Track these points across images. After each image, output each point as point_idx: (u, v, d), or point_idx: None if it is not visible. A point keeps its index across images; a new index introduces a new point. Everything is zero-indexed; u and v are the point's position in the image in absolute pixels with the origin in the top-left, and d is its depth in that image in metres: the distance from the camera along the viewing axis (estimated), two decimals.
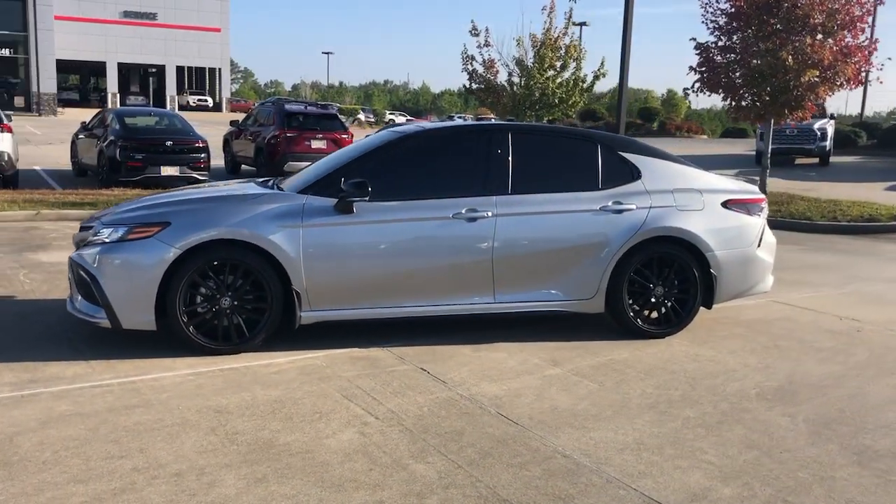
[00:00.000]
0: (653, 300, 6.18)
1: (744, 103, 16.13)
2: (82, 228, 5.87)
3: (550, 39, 21.60)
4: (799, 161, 27.02)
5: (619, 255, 6.01)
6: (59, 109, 45.17)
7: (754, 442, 4.24)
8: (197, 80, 66.85)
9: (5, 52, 46.79)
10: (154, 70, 63.71)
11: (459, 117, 64.83)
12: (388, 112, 72.78)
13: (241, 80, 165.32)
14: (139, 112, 18.85)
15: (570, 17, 21.90)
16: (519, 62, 22.05)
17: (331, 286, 5.56)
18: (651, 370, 5.41)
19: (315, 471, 3.72)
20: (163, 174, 15.56)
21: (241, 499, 3.44)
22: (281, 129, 17.58)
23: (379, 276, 5.64)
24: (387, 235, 5.65)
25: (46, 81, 44.73)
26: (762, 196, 6.63)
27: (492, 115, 33.99)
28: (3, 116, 15.07)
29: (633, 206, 6.09)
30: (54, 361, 5.17)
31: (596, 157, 6.20)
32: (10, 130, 14.91)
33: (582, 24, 61.65)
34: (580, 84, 21.95)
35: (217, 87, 65.62)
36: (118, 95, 59.51)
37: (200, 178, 15.74)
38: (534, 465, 3.87)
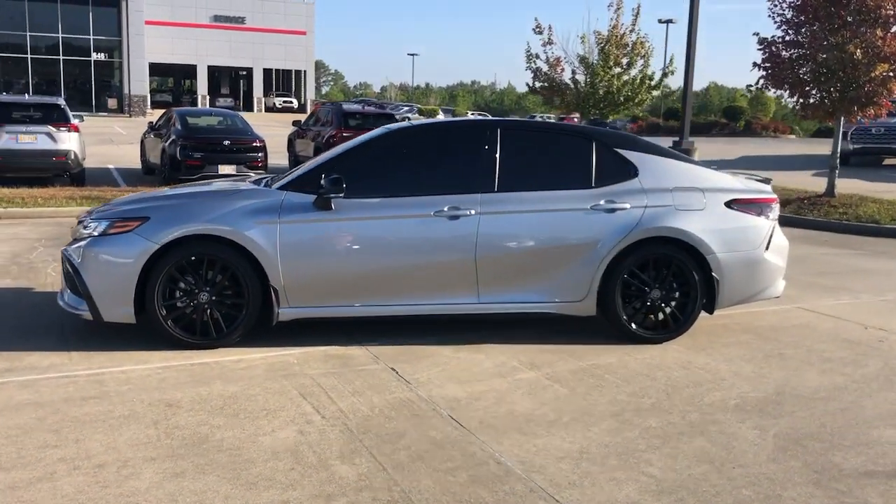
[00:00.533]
0: (649, 304, 5.91)
1: (811, 100, 15.36)
2: (79, 223, 6.03)
3: (616, 36, 21.19)
4: (888, 162, 25.63)
5: (611, 256, 5.77)
6: (150, 111, 46.92)
7: (710, 456, 3.99)
8: (284, 82, 68.42)
9: (101, 57, 49.02)
10: (244, 73, 65.61)
11: (542, 117, 64.52)
12: (469, 112, 72.81)
13: (332, 83, 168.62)
14: (201, 112, 19.39)
15: (638, 13, 21.44)
16: (583, 60, 21.70)
17: (308, 283, 5.54)
18: (632, 377, 5.18)
19: (236, 468, 3.69)
20: (220, 172, 15.93)
21: (150, 493, 3.43)
22: (338, 129, 17.75)
23: (358, 274, 5.58)
24: (365, 233, 5.59)
25: (136, 84, 46.64)
26: (772, 196, 6.26)
27: (575, 117, 33.52)
28: (70, 116, 15.71)
29: (628, 206, 5.84)
30: (38, 352, 5.31)
31: (590, 154, 5.98)
32: (76, 130, 15.54)
33: (668, 21, 60.41)
34: (647, 82, 21.46)
35: (302, 88, 67.02)
36: (208, 97, 61.45)
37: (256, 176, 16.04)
38: (462, 470, 3.74)
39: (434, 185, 5.77)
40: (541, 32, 21.71)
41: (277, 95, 66.31)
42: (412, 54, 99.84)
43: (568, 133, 6.22)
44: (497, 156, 5.83)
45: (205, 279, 5.44)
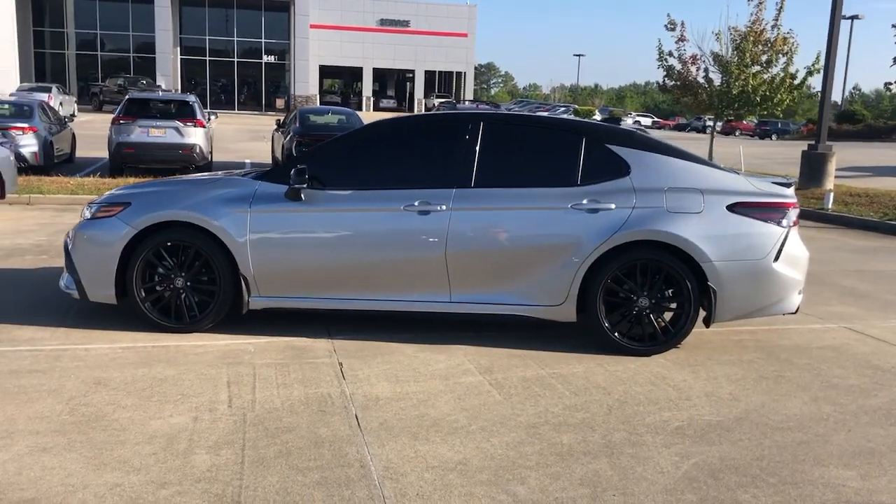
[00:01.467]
0: (636, 313, 5.46)
1: None
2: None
3: (756, 32, 19.89)
4: None
5: (592, 259, 5.38)
6: None
7: (598, 480, 3.61)
8: (444, 83, 69.53)
9: (272, 59, 51.95)
10: (410, 75, 67.32)
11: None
12: (633, 114, 70.76)
13: (501, 84, 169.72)
14: (322, 111, 20.01)
15: (782, 7, 20.00)
16: (717, 57, 20.56)
17: (278, 273, 5.55)
18: (585, 389, 4.80)
19: (103, 449, 3.74)
20: None
21: (5, 466, 3.54)
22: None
23: (327, 267, 5.54)
24: (335, 225, 5.54)
25: (301, 85, 49.02)
26: (788, 201, 5.59)
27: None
28: (198, 112, 16.70)
29: (613, 206, 5.43)
30: (31, 326, 5.65)
31: (578, 150, 5.60)
32: (202, 125, 16.53)
33: (854, 17, 56.06)
34: (788, 81, 20.00)
35: (462, 90, 67.84)
36: (372, 99, 63.52)
37: None
38: (318, 471, 3.60)
39: (410, 179, 5.62)
40: (673, 29, 20.79)
41: (437, 97, 67.50)
42: (578, 55, 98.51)
43: (556, 128, 5.85)
44: (477, 150, 5.60)
45: (180, 265, 5.58)
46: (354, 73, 67.81)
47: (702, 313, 5.56)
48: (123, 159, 16.20)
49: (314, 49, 56.98)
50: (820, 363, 5.48)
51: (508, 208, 5.48)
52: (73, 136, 19.24)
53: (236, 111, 48.55)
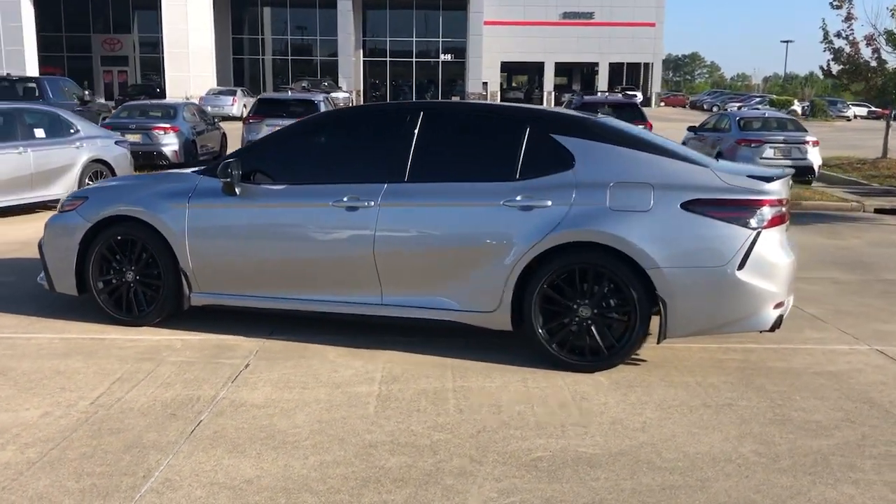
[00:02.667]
0: (576, 323, 4.85)
1: None
2: None
3: None
4: None
5: (525, 262, 4.83)
6: None
7: None
8: (629, 75, 67.45)
9: (448, 58, 52.75)
10: (596, 69, 65.96)
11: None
12: (850, 103, 63.96)
13: (706, 75, 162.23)
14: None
15: None
16: (890, 36, 18.31)
17: (214, 269, 5.47)
18: (477, 407, 4.30)
19: None
20: None
21: None
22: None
23: (260, 265, 5.38)
24: (266, 221, 5.36)
25: (473, 82, 49.31)
26: (761, 197, 4.71)
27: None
28: (322, 110, 17.16)
29: (549, 203, 4.84)
30: (16, 315, 5.93)
31: (520, 140, 5.05)
32: None
33: None
34: None
35: (649, 81, 65.49)
36: (554, 93, 62.86)
37: None
38: (95, 477, 3.45)
39: (344, 173, 5.34)
40: (839, 6, 18.71)
41: (622, 90, 65.57)
42: (786, 41, 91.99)
43: (500, 116, 5.31)
44: (414, 142, 5.20)
45: (129, 259, 5.65)
46: (538, 68, 67.42)
47: None
48: None
49: (496, 45, 57.28)
50: (796, 392, 4.59)
51: (439, 205, 5.05)
52: (224, 135, 20.43)
53: None
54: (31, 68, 43.22)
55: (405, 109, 5.43)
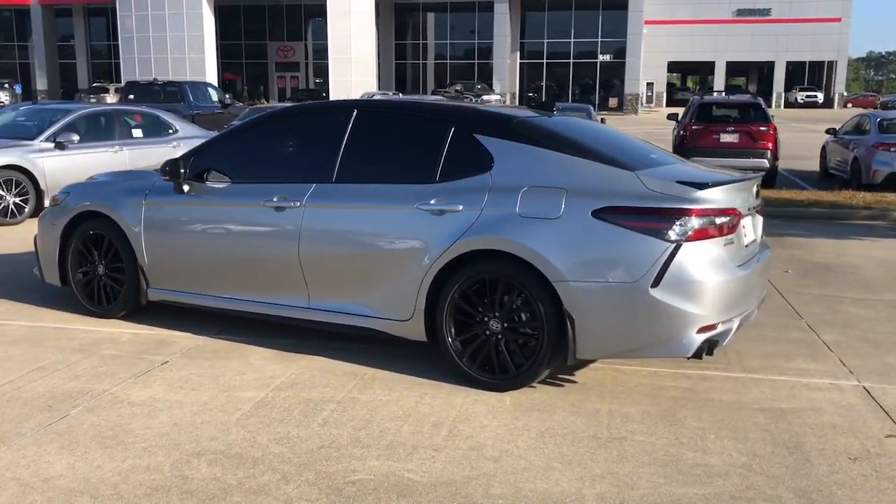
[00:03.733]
0: (486, 337, 4.48)
1: None
2: None
3: None
4: None
5: (436, 269, 4.53)
6: (649, 107, 47.90)
7: None
8: (809, 75, 63.00)
9: (607, 58, 51.47)
10: (767, 67, 62.22)
11: None
12: None
13: None
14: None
15: None
16: None
17: (165, 266, 5.55)
18: (345, 421, 4.06)
19: None
20: None
21: None
22: (689, 122, 16.11)
23: (202, 262, 5.40)
24: (207, 219, 5.38)
25: (631, 83, 47.83)
26: (686, 206, 4.12)
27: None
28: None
29: (460, 207, 4.51)
30: (10, 301, 6.33)
31: (444, 140, 4.74)
32: None
33: None
34: None
35: (832, 82, 60.87)
36: (724, 93, 59.76)
37: None
38: None
39: (280, 172, 5.25)
40: None
41: (801, 90, 61.40)
42: None
43: (427, 114, 4.98)
44: (344, 142, 5.03)
45: (100, 253, 5.85)
46: (709, 68, 64.44)
47: None
48: None
49: (664, 45, 55.36)
50: (716, 430, 4.00)
51: (358, 207, 4.85)
52: None
53: None
54: (211, 74, 46.49)
55: (339, 108, 5.26)
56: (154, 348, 5.22)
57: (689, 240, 4.10)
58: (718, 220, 4.21)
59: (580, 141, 4.64)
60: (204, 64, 46.44)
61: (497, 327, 4.43)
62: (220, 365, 4.91)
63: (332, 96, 44.23)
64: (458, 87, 45.76)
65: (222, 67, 52.41)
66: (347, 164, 4.98)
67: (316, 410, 4.20)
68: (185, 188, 5.41)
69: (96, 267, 5.86)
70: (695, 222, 4.12)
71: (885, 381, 4.74)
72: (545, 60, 52.00)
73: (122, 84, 30.62)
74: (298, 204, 4.99)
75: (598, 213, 4.20)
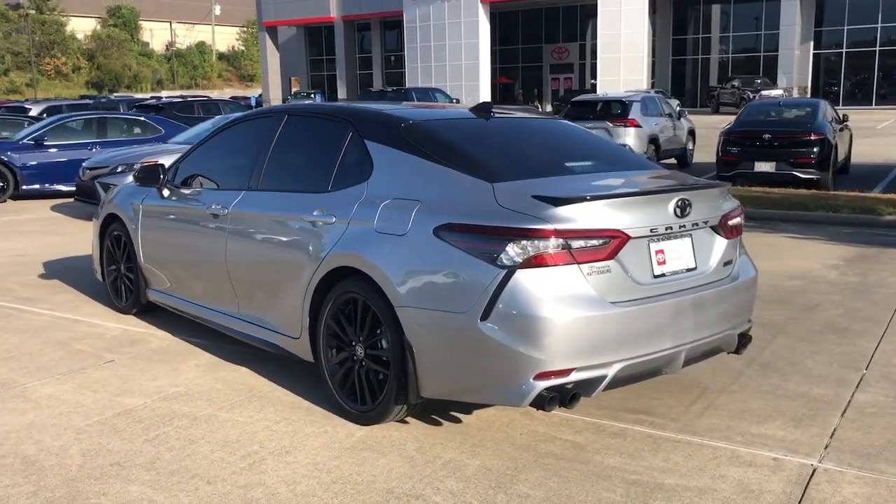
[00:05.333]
0: (352, 364, 4.06)
1: None
2: None
3: None
4: None
5: (313, 286, 4.19)
6: None
7: None
8: None
9: None
10: None
11: None
12: None
13: None
14: (769, 105, 16.84)
15: None
16: None
17: (152, 266, 5.78)
18: (163, 438, 3.92)
19: None
20: (756, 170, 14.20)
21: None
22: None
23: (173, 264, 5.56)
24: (174, 224, 5.50)
25: None
26: (524, 226, 3.35)
27: None
28: (631, 112, 16.20)
29: (333, 220, 4.13)
30: (73, 291, 7.01)
31: (342, 145, 4.37)
32: (634, 125, 16.06)
33: None
34: None
35: None
36: None
37: (802, 175, 13.77)
38: None
39: (226, 178, 5.21)
40: None
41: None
42: None
43: (332, 118, 4.56)
44: (271, 148, 4.86)
45: (120, 252, 6.24)
46: None
47: None
48: None
49: None
50: (544, 501, 3.24)
51: (266, 216, 4.65)
52: (691, 132, 19.90)
53: (873, 106, 43.41)
54: (485, 79, 48.01)
55: (273, 113, 5.07)
56: (118, 347, 5.43)
57: (525, 266, 3.36)
58: (578, 244, 3.41)
59: (462, 148, 4.03)
60: (478, 69, 48.04)
61: (361, 353, 4.00)
62: (151, 369, 4.97)
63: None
64: (736, 83, 42.66)
65: (498, 72, 53.81)
66: (270, 170, 4.81)
67: (163, 424, 4.09)
68: (165, 193, 5.57)
69: (119, 265, 6.25)
70: (536, 245, 3.37)
71: (855, 465, 3.54)
72: (844, 50, 46.43)
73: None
74: (226, 211, 4.91)
75: (437, 231, 3.61)
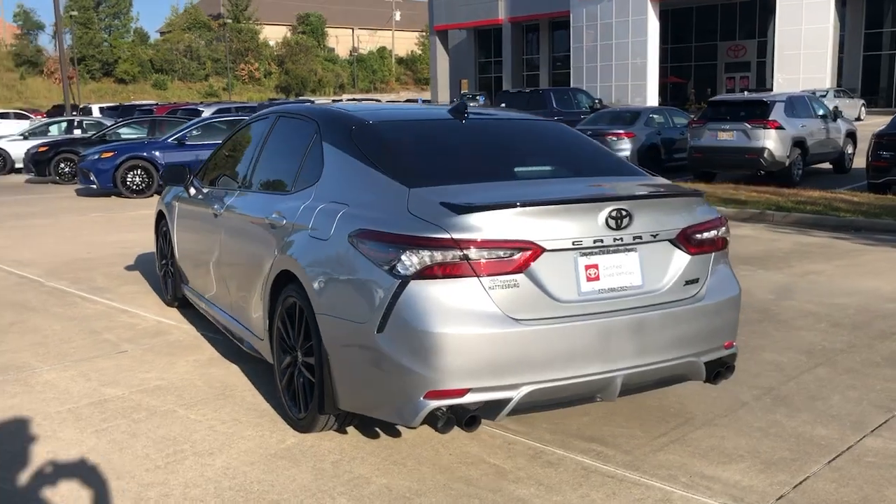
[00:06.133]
0: (293, 369, 3.99)
1: None
2: None
3: None
4: None
5: (268, 288, 4.16)
6: None
7: None
8: None
9: None
10: None
11: None
12: None
13: None
14: None
15: None
16: None
17: (182, 263, 5.99)
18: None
19: None
20: None
21: None
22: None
23: (191, 263, 5.73)
24: (190, 223, 5.68)
25: None
26: (420, 234, 3.12)
27: None
28: (773, 112, 15.05)
29: (284, 221, 4.08)
30: (145, 284, 7.43)
31: (306, 147, 4.30)
32: (775, 127, 14.93)
33: None
34: None
35: None
36: None
37: None
38: None
39: (231, 178, 5.28)
40: None
41: None
42: None
43: (304, 119, 4.45)
44: (261, 149, 4.91)
45: (167, 247, 6.52)
46: None
47: None
48: (694, 164, 15.90)
49: None
50: None
51: (242, 216, 4.70)
52: (851, 135, 18.51)
53: None
54: (652, 78, 46.44)
55: (269, 114, 5.06)
56: (140, 338, 5.67)
57: (418, 277, 3.14)
58: (479, 255, 3.14)
59: (396, 151, 3.86)
60: (646, 69, 46.55)
61: (300, 359, 3.92)
62: (153, 361, 5.15)
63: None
64: None
65: (669, 71, 51.93)
66: (256, 171, 4.86)
67: (121, 416, 4.21)
68: (192, 191, 5.75)
69: (167, 261, 6.54)
70: (432, 255, 3.14)
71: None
72: None
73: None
74: (221, 211, 5.00)
75: (350, 238, 3.46)
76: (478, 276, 3.15)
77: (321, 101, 48.27)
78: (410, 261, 3.16)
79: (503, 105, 22.12)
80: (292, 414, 3.98)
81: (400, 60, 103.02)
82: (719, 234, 3.72)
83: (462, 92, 61.01)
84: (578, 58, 49.19)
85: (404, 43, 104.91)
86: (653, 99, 45.33)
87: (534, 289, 3.21)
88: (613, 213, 3.33)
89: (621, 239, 3.37)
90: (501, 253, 3.16)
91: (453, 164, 3.88)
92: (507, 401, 3.20)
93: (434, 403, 3.15)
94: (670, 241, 3.52)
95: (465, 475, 3.46)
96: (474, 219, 3.17)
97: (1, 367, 5.07)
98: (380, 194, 3.57)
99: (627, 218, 3.36)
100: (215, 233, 5.08)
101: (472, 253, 3.14)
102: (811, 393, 4.41)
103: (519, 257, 3.18)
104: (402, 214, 3.33)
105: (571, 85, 47.57)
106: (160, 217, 6.59)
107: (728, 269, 3.85)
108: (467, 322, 3.13)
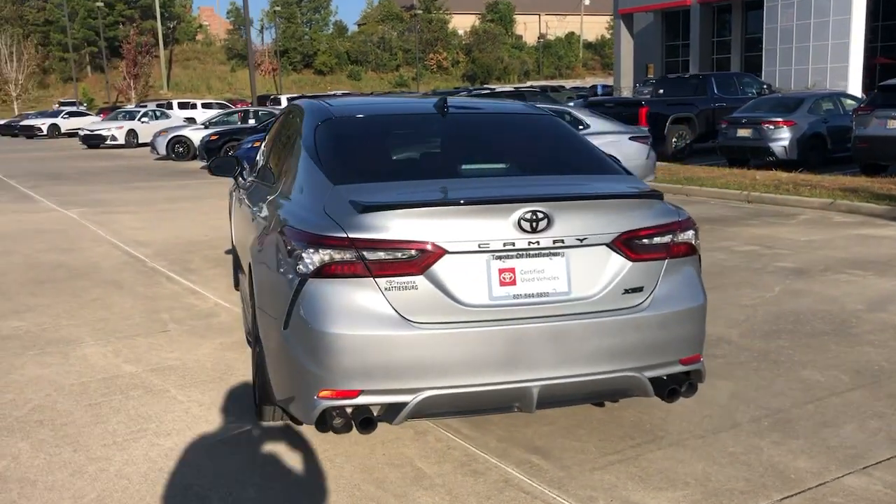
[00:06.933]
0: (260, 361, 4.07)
1: None
2: None
3: None
4: None
5: (247, 281, 4.31)
6: None
7: None
8: None
9: None
10: None
11: None
12: None
13: None
14: None
15: None
16: None
17: (237, 251, 6.27)
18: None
19: None
20: None
21: None
22: None
23: (240, 252, 5.96)
24: (236, 209, 5.90)
25: None
26: (317, 232, 3.06)
27: None
28: None
29: (262, 214, 4.17)
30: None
31: (294, 141, 4.33)
32: None
33: None
34: None
35: None
36: None
37: None
38: None
39: (258, 168, 5.43)
40: None
41: None
42: None
43: (297, 113, 4.47)
44: (277, 141, 5.04)
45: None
46: None
47: None
48: (859, 155, 14.47)
49: None
50: None
51: (248, 206, 4.84)
52: None
53: None
54: (855, 60, 42.64)
55: (292, 107, 5.13)
56: (190, 319, 6.01)
57: (316, 275, 3.10)
58: (375, 255, 3.05)
59: (339, 148, 3.82)
60: (847, 49, 42.83)
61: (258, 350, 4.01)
62: (185, 341, 5.45)
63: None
64: None
65: (878, 51, 47.46)
66: (268, 163, 4.97)
67: (118, 392, 4.48)
68: (240, 181, 5.99)
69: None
70: (329, 254, 3.08)
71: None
72: None
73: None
74: (245, 201, 5.18)
75: (277, 234, 3.48)
76: (373, 277, 3.06)
77: (503, 88, 48.38)
78: (311, 259, 3.13)
79: (661, 91, 21.15)
80: (255, 402, 4.07)
81: (588, 45, 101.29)
82: (676, 239, 3.38)
83: (645, 77, 59.05)
84: (772, 39, 45.97)
85: (594, 27, 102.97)
86: (855, 83, 41.64)
87: (434, 291, 3.08)
88: (527, 216, 3.11)
89: (538, 242, 3.15)
90: (399, 254, 3.06)
91: (396, 162, 3.79)
92: (403, 405, 3.10)
93: (326, 403, 3.12)
94: (607, 245, 3.25)
95: (382, 477, 3.39)
96: (373, 218, 3.09)
97: (55, 340, 5.55)
98: (311, 191, 3.56)
99: (545, 220, 3.13)
100: (244, 221, 5.26)
101: (369, 253, 3.06)
102: (825, 419, 3.91)
103: (418, 258, 3.06)
104: (318, 212, 3.30)
105: (764, 69, 44.67)
106: (230, 206, 6.91)
107: (694, 277, 3.49)
108: (361, 322, 3.06)
